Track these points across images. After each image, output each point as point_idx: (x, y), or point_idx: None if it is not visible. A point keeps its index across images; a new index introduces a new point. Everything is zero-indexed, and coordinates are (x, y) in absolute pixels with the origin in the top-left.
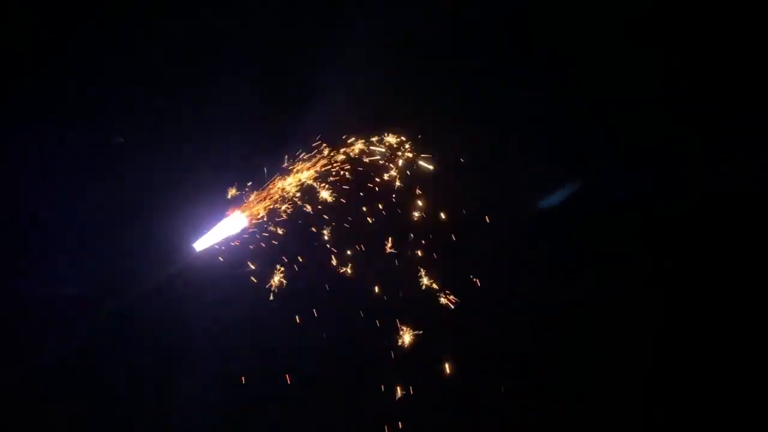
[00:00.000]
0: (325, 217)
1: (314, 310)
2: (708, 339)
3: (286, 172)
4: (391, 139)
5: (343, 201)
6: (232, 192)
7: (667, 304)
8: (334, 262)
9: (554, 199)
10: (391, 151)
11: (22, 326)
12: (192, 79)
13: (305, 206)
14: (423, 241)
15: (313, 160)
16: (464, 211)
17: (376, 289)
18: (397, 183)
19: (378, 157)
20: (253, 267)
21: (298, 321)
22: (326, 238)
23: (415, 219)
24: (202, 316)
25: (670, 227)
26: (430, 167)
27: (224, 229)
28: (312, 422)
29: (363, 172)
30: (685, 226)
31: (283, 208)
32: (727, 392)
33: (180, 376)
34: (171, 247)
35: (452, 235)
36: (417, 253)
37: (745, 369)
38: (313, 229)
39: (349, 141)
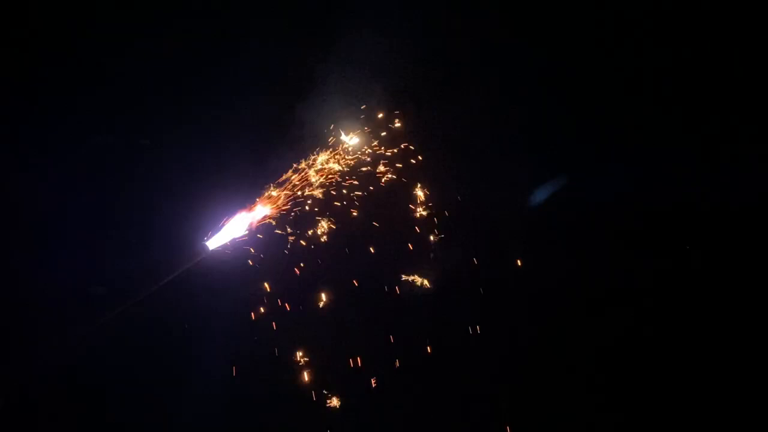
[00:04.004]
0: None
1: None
2: (701, 338)
3: (299, 171)
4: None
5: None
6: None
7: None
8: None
9: (540, 195)
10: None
11: (34, 325)
12: (204, 80)
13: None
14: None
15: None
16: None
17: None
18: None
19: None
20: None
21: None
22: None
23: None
24: (214, 313)
25: (656, 226)
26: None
27: (236, 227)
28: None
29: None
30: (673, 225)
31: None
32: (718, 390)
33: (192, 373)
34: (183, 245)
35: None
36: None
37: (739, 368)
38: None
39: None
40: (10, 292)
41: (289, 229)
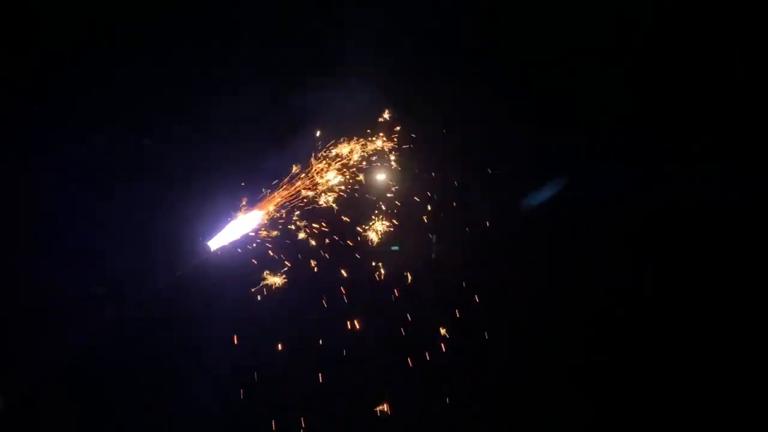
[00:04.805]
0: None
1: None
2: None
3: (302, 172)
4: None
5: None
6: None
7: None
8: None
9: (540, 197)
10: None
11: (34, 325)
12: (206, 79)
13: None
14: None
15: (325, 162)
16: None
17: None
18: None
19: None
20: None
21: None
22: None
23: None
24: (215, 314)
25: (654, 227)
26: None
27: (238, 227)
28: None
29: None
30: (670, 226)
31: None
32: (719, 390)
33: (192, 375)
34: (185, 245)
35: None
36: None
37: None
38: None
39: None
40: (9, 292)
41: (294, 228)
